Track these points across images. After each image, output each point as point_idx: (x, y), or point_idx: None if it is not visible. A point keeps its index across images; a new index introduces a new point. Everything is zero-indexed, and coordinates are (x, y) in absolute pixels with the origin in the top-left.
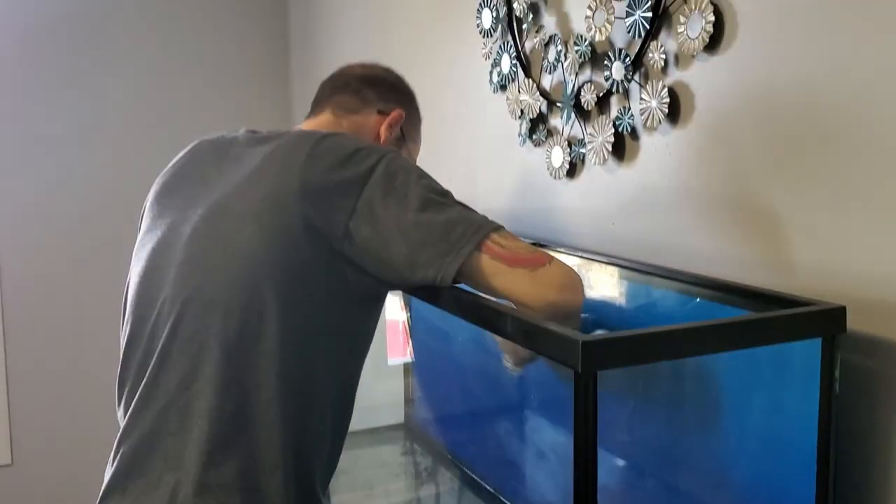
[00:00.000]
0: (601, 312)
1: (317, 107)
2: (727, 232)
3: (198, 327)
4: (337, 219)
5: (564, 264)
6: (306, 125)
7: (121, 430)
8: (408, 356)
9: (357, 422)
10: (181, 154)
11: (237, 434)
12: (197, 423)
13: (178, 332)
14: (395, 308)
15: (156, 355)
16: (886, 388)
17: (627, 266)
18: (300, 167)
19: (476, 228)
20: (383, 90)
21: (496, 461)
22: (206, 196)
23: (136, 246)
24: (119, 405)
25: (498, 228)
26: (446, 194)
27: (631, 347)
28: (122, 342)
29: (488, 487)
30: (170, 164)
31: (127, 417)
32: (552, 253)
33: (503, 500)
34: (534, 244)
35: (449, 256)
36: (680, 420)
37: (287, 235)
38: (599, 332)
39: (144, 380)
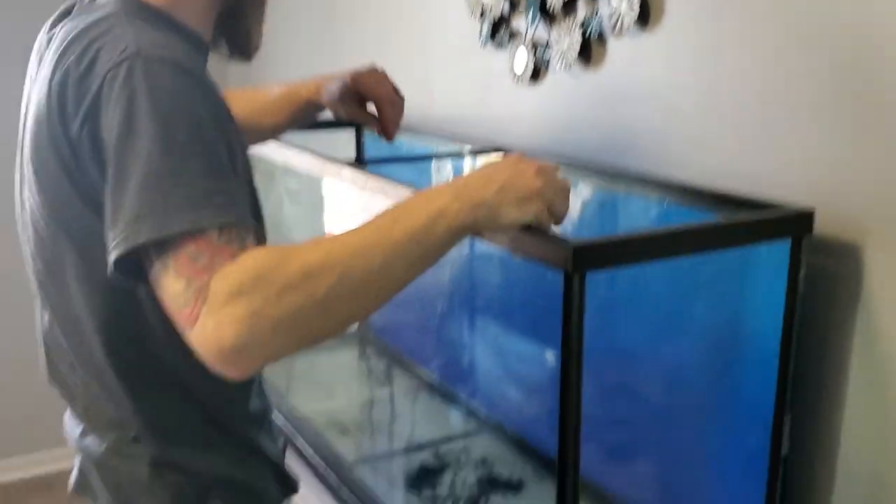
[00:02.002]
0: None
1: None
2: (696, 138)
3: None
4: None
5: (227, 313)
6: None
7: None
8: None
9: None
10: None
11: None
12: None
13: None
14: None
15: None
16: (844, 288)
17: (593, 170)
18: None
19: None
20: None
21: (454, 364)
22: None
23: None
24: None
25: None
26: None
27: (619, 250)
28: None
29: (448, 389)
30: None
31: None
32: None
33: (463, 400)
34: (498, 150)
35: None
36: (648, 322)
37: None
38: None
39: None
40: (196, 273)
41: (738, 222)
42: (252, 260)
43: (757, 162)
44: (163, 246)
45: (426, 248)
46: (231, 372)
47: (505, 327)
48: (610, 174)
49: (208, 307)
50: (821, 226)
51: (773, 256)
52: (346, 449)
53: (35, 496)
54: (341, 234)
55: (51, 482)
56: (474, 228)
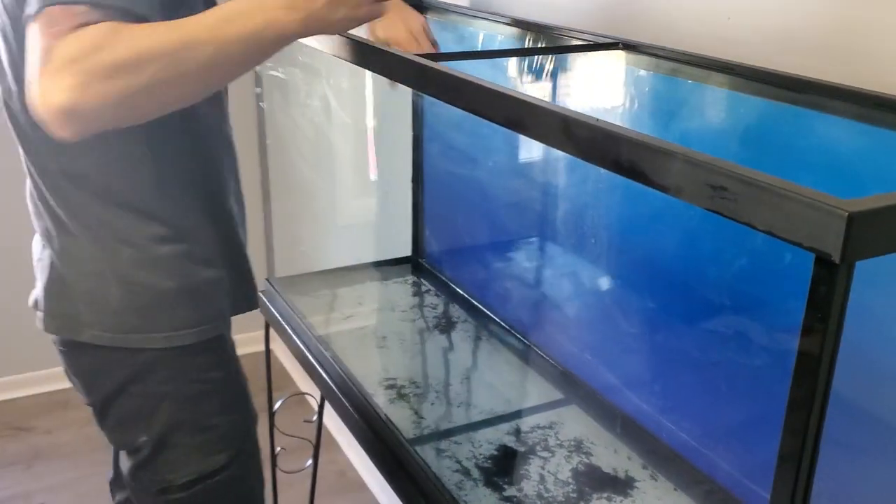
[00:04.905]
0: (717, 147)
1: None
2: None
3: None
4: None
5: (61, 77)
6: None
7: None
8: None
9: (353, 255)
10: None
11: None
12: None
13: None
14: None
15: None
16: None
17: (762, 79)
18: None
19: None
20: None
21: (536, 309)
22: None
23: None
24: None
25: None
26: None
27: None
28: None
29: (527, 341)
30: None
31: None
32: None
33: (546, 357)
34: (616, 43)
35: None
36: None
37: None
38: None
39: None
40: (50, 36)
41: None
42: (92, 32)
43: None
44: (41, 9)
45: (252, 52)
46: (59, 131)
47: (609, 266)
48: (782, 84)
49: (47, 68)
50: None
51: None
52: (402, 420)
53: (48, 413)
54: (178, 24)
55: (66, 400)
56: (303, 36)
